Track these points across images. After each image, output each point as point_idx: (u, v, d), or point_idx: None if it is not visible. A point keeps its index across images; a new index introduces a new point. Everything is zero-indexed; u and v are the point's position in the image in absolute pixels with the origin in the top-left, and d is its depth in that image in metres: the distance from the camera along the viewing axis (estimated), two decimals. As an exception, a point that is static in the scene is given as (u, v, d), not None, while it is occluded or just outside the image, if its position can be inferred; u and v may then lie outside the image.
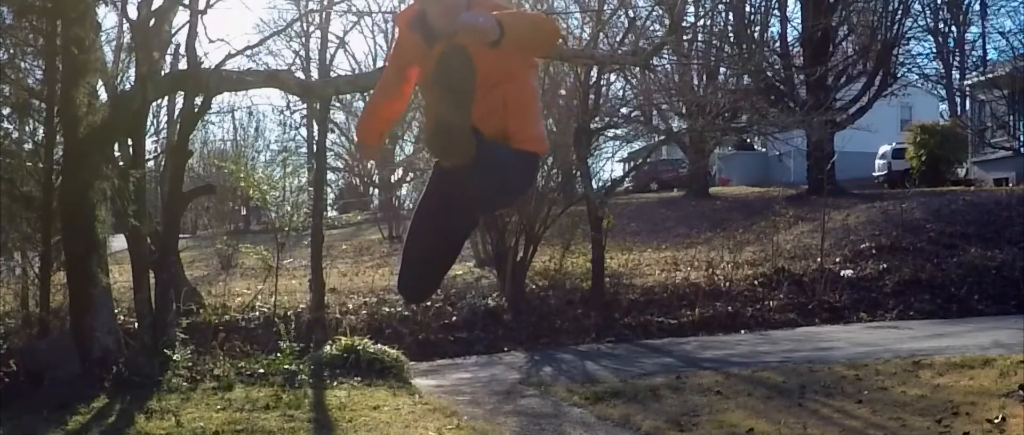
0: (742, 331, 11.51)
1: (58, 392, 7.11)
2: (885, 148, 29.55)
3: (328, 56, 34.69)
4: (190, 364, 7.86)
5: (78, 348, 7.75)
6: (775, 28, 25.29)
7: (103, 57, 9.01)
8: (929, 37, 34.38)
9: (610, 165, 61.63)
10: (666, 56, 16.75)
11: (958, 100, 36.66)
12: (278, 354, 8.16)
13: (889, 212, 17.56)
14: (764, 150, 36.26)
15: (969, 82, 31.69)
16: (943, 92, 37.80)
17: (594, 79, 14.63)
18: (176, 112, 11.65)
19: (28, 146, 8.85)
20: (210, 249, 20.89)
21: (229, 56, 11.99)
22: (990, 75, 27.12)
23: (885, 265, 13.81)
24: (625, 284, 13.33)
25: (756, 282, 13.31)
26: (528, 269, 12.88)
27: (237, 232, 28.24)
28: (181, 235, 11.82)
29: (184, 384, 7.31)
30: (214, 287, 14.09)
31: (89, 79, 8.29)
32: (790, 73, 23.21)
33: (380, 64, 31.11)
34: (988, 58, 34.49)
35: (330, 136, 26.06)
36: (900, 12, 24.05)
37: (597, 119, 15.64)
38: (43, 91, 8.79)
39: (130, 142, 8.76)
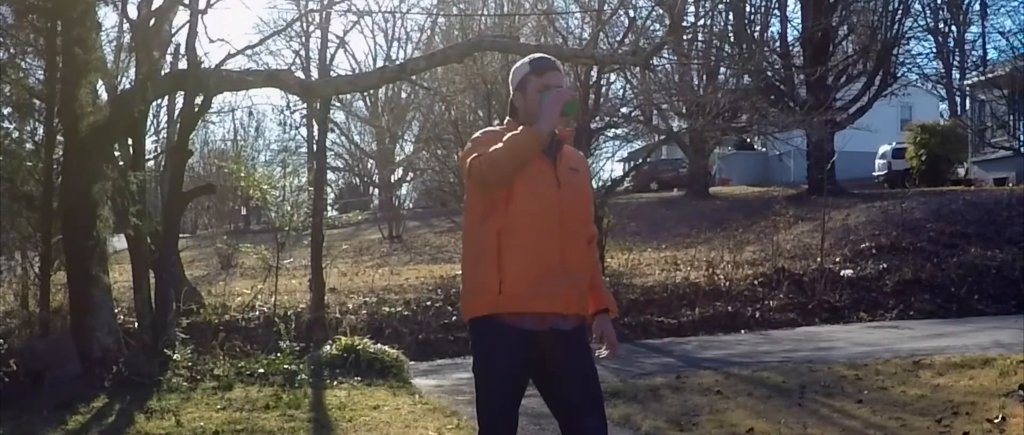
0: (742, 331, 11.50)
1: (58, 392, 7.11)
2: (885, 148, 29.53)
3: (328, 56, 34.68)
4: (190, 364, 7.86)
5: (78, 348, 7.75)
6: (775, 28, 25.33)
7: (103, 57, 9.01)
8: (929, 37, 34.42)
9: (610, 165, 61.72)
10: (666, 56, 16.81)
11: (958, 100, 36.66)
12: (278, 354, 8.16)
13: (889, 212, 17.56)
14: (764, 150, 36.30)
15: (969, 82, 31.68)
16: (943, 92, 37.80)
17: (594, 79, 14.63)
18: (176, 112, 11.66)
19: (28, 146, 8.83)
20: (210, 249, 20.91)
21: (229, 56, 11.98)
22: (990, 75, 27.11)
23: (885, 265, 13.81)
24: (625, 284, 13.32)
25: (756, 282, 13.31)
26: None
27: (237, 232, 28.26)
28: (181, 235, 11.82)
29: (184, 384, 7.31)
30: (214, 287, 14.09)
31: (90, 79, 8.29)
32: (790, 73, 23.22)
33: (380, 63, 31.17)
34: (988, 58, 34.54)
35: (330, 136, 26.06)
36: (900, 12, 24.07)
37: (597, 119, 15.64)
38: (43, 91, 8.79)
39: (130, 142, 8.76)
